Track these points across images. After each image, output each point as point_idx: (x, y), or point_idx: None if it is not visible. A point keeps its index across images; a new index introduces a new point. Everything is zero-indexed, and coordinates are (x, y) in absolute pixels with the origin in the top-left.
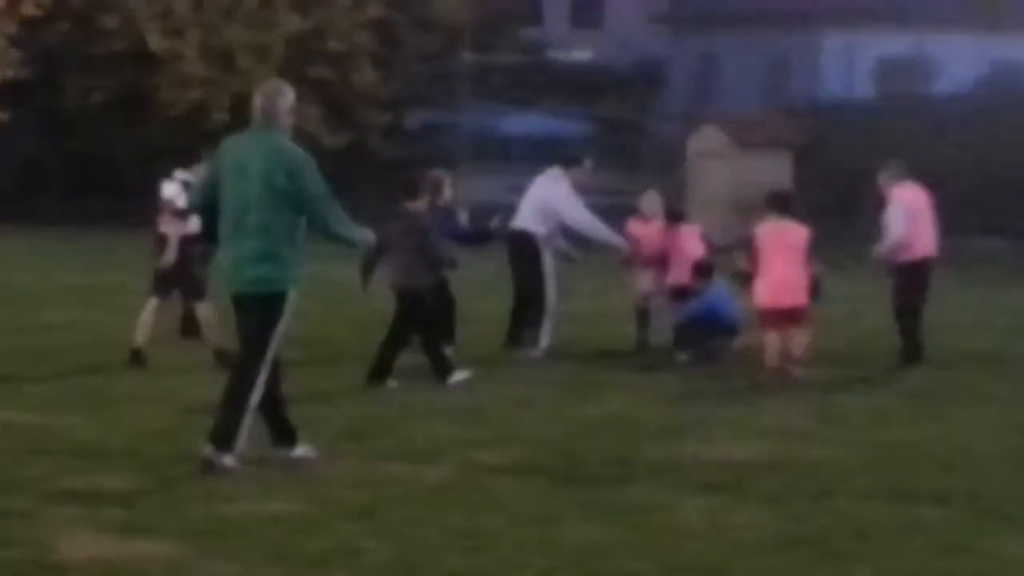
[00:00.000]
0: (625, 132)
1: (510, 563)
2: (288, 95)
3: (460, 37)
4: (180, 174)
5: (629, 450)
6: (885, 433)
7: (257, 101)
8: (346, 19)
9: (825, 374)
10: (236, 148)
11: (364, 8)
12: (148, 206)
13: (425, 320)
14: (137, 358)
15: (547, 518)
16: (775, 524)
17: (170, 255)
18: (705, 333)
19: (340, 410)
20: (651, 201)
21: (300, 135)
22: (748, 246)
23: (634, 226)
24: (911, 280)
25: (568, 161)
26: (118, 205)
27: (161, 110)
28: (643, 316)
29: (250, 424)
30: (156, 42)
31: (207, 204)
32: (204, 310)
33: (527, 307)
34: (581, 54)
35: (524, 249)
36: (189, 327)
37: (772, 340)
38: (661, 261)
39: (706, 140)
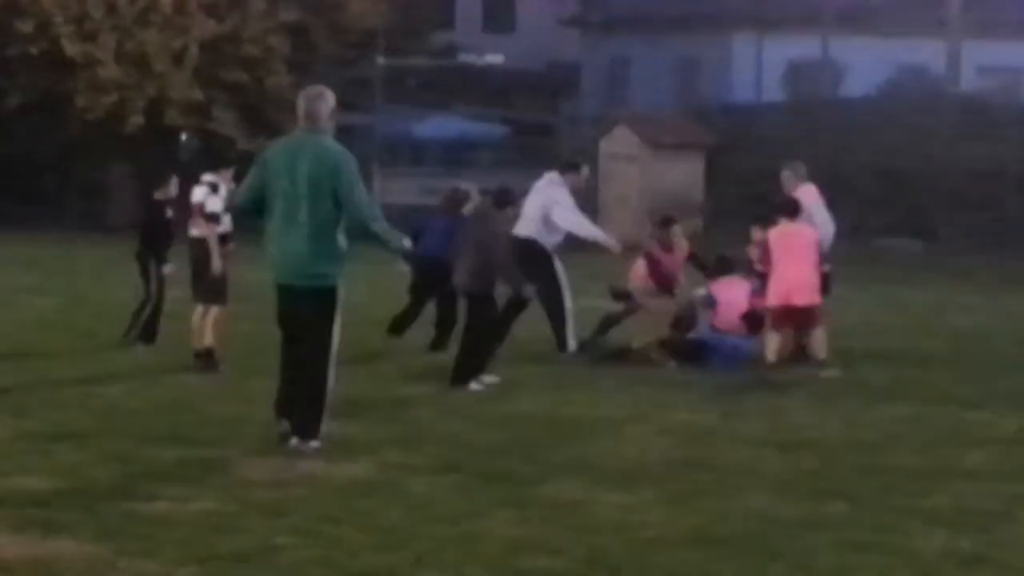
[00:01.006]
0: (537, 135)
1: (427, 560)
2: (330, 99)
3: (373, 41)
4: (208, 177)
5: (546, 447)
6: (795, 431)
7: (301, 105)
8: (260, 23)
9: (735, 373)
10: (285, 149)
11: (278, 12)
12: (67, 209)
13: (491, 321)
14: (209, 361)
15: (464, 515)
16: (688, 521)
17: (216, 262)
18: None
19: (258, 410)
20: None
21: (215, 138)
22: (762, 249)
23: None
24: None
25: (566, 167)
26: (34, 208)
27: (77, 114)
28: (607, 323)
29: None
30: (71, 47)
31: (254, 202)
32: (220, 313)
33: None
34: (493, 58)
35: (534, 257)
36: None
37: (777, 339)
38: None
39: (617, 142)
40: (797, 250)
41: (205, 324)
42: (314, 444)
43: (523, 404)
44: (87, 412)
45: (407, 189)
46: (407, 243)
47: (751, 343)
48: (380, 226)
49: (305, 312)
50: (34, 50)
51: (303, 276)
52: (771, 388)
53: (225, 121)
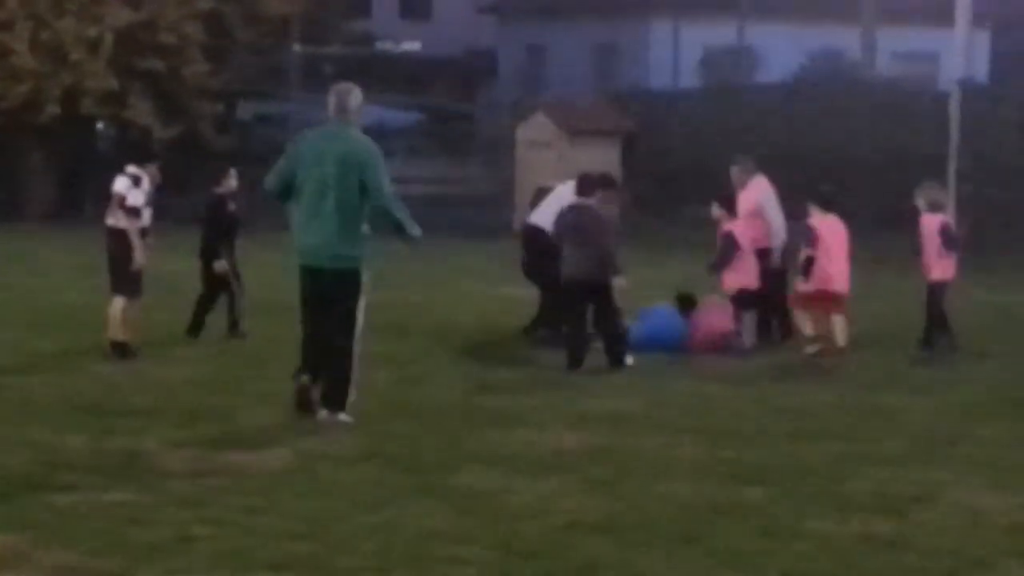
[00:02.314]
0: (454, 122)
1: (343, 548)
2: (358, 94)
3: (289, 29)
4: (132, 169)
5: (463, 436)
6: (712, 418)
7: (332, 99)
8: (176, 11)
9: (657, 361)
10: (316, 139)
11: (194, 0)
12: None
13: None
14: (124, 351)
15: (381, 504)
16: (604, 508)
17: (139, 256)
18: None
19: (175, 399)
20: None
21: (132, 128)
22: (809, 236)
23: None
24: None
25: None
26: None
27: None
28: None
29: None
30: None
31: (283, 189)
32: (132, 308)
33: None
34: (410, 45)
35: (546, 247)
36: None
37: (814, 321)
38: None
39: (534, 129)
40: (840, 241)
41: (120, 315)
42: (344, 417)
43: (439, 393)
44: (1, 402)
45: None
46: (419, 231)
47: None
48: (403, 215)
49: (332, 293)
50: None
51: (332, 259)
52: (692, 375)
53: (141, 110)
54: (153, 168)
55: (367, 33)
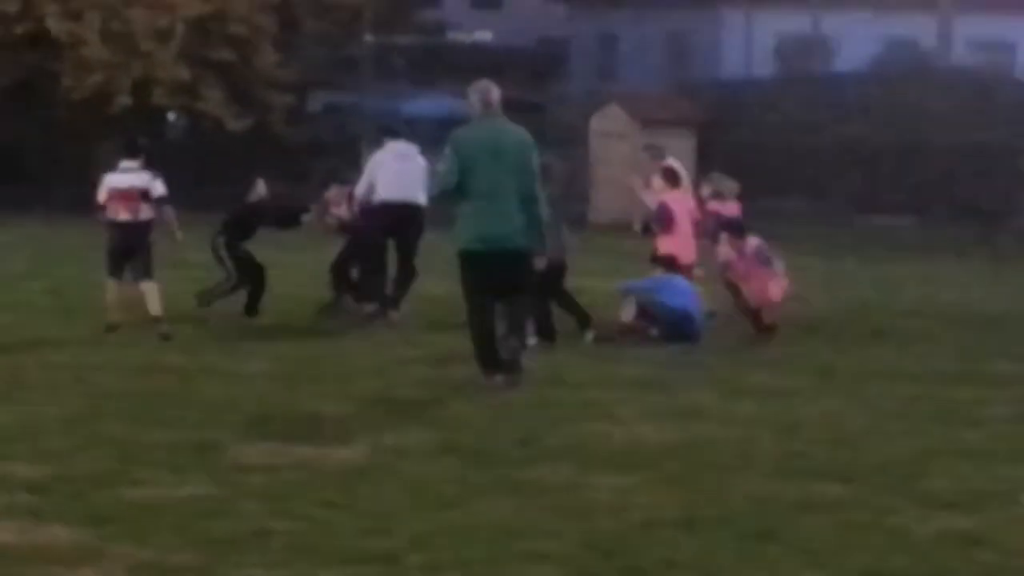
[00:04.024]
0: (527, 112)
1: (420, 544)
2: (497, 89)
3: (360, 19)
4: (130, 163)
5: (539, 430)
6: (792, 411)
7: (475, 96)
8: (247, 2)
9: (733, 353)
10: (483, 134)
11: None
12: (53, 191)
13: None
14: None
15: (458, 499)
16: (682, 503)
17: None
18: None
19: (250, 393)
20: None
21: (204, 118)
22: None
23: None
24: None
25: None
26: (21, 190)
27: (63, 94)
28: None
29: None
30: (56, 26)
31: (459, 185)
32: (150, 288)
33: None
34: (482, 35)
35: None
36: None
37: None
38: None
39: (608, 120)
40: (684, 213)
41: (150, 298)
42: (529, 362)
43: (519, 388)
44: (77, 397)
45: None
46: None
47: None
48: (545, 208)
49: (510, 275)
50: (19, 30)
51: (508, 243)
52: (767, 368)
53: (213, 101)
54: (143, 159)
55: (438, 23)
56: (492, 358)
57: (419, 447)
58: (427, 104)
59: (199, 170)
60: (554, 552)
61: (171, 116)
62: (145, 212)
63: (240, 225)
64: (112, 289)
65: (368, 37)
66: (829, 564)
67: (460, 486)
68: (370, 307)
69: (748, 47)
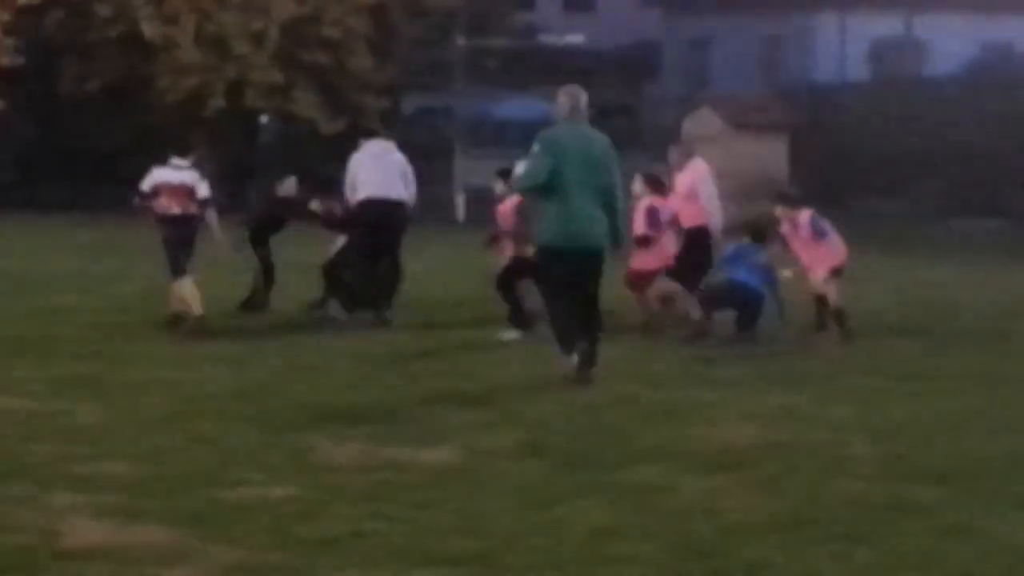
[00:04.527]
0: (620, 116)
1: (512, 546)
2: (585, 96)
3: (453, 22)
4: (179, 161)
5: (632, 432)
6: (884, 413)
7: (564, 100)
8: (340, 5)
9: (824, 354)
10: (573, 136)
11: None
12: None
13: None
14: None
15: (551, 501)
16: (775, 505)
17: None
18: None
19: (341, 394)
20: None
21: (297, 120)
22: (654, 216)
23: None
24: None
25: None
26: (114, 192)
27: (157, 97)
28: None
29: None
30: (150, 29)
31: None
32: (187, 285)
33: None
34: (574, 38)
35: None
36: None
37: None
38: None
39: (701, 123)
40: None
41: (193, 292)
42: (590, 371)
43: (609, 388)
44: (169, 397)
45: (488, 170)
46: None
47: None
48: (623, 212)
49: (589, 271)
50: (113, 33)
51: (591, 240)
52: (860, 369)
53: (306, 103)
54: (193, 158)
55: (531, 26)
56: (574, 345)
57: (511, 448)
58: (519, 107)
59: (291, 173)
60: (645, 554)
61: (264, 119)
62: (193, 208)
63: (267, 220)
64: (179, 283)
65: (461, 40)
66: (922, 568)
67: (552, 487)
68: (342, 315)
69: (842, 50)
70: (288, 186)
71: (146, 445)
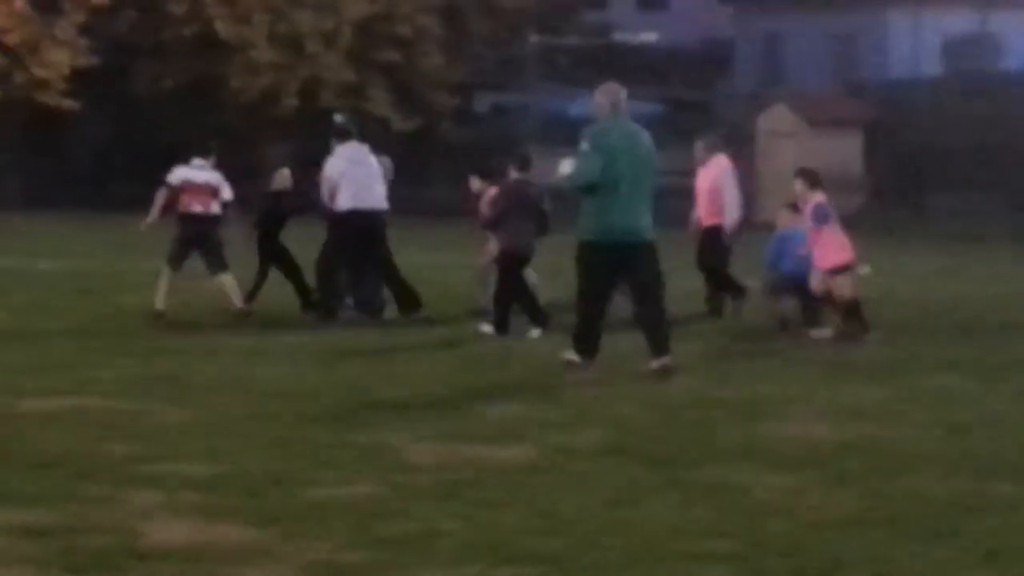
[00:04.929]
0: (693, 112)
1: (590, 544)
2: (624, 92)
3: (526, 20)
4: (201, 161)
5: (707, 429)
6: (962, 410)
7: (604, 98)
8: (412, 3)
9: (900, 351)
10: (621, 133)
11: None
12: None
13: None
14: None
15: (627, 498)
16: (852, 503)
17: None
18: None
19: (418, 392)
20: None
21: (370, 119)
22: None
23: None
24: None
25: None
26: None
27: (231, 97)
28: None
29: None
30: (224, 29)
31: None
32: (227, 280)
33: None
34: (647, 36)
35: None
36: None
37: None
38: None
39: (775, 119)
40: None
41: (229, 290)
42: (669, 360)
43: (685, 386)
44: (245, 395)
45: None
46: None
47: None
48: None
49: (643, 264)
50: (187, 33)
51: (638, 235)
52: (936, 366)
53: (379, 101)
54: (214, 160)
55: (604, 24)
56: (592, 345)
57: (586, 446)
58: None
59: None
60: (723, 552)
61: (338, 118)
62: (214, 207)
63: (267, 218)
64: (167, 277)
65: (534, 38)
66: (1000, 564)
67: (629, 485)
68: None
69: (915, 46)
70: (282, 178)
71: (224, 444)
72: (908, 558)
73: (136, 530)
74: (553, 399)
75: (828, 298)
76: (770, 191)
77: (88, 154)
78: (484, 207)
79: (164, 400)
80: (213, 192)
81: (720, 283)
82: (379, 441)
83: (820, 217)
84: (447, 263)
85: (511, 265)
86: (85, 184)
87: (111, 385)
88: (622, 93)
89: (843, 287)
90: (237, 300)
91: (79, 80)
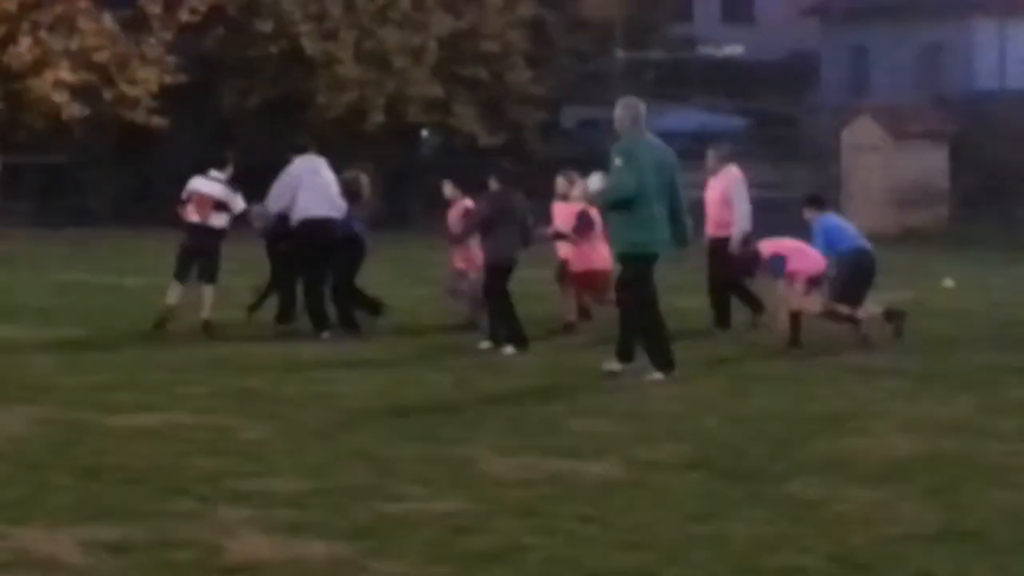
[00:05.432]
0: (779, 126)
1: (674, 559)
2: (643, 106)
3: (611, 35)
4: (218, 174)
5: (790, 444)
6: None
7: (625, 113)
8: (498, 19)
9: (983, 362)
10: (646, 147)
11: (516, 7)
12: None
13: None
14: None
15: (710, 513)
16: (938, 517)
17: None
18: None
19: (501, 407)
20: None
21: (457, 134)
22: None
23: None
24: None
25: None
26: None
27: (318, 113)
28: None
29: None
30: (311, 45)
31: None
32: (208, 291)
33: None
34: (732, 49)
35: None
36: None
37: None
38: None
39: (860, 132)
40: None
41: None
42: (658, 375)
43: (765, 400)
44: (328, 410)
45: None
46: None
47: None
48: (686, 215)
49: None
50: (274, 50)
51: (666, 246)
52: (1022, 378)
53: (466, 117)
54: (230, 171)
55: (689, 37)
56: (670, 356)
57: (671, 461)
58: (679, 119)
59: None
60: (808, 566)
61: (424, 133)
62: (215, 219)
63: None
64: (175, 289)
65: (619, 52)
66: None
67: (713, 500)
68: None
69: (1002, 57)
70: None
71: (308, 459)
72: (994, 573)
73: (222, 546)
74: (635, 414)
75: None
76: (855, 205)
77: (175, 171)
78: (454, 217)
79: (251, 415)
80: (216, 204)
81: (729, 296)
82: (464, 456)
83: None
84: (534, 278)
85: (496, 276)
86: (171, 201)
87: (199, 401)
88: (641, 107)
89: (813, 299)
90: (205, 312)
91: (167, 98)
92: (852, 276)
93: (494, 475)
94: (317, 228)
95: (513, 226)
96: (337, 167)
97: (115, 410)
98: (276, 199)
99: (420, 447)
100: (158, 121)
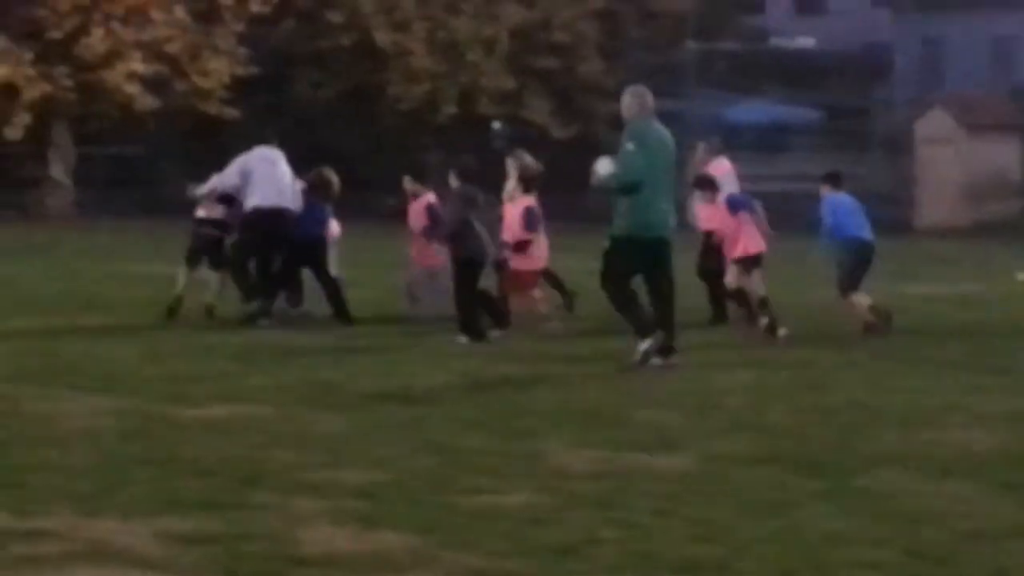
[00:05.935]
0: (851, 118)
1: (747, 553)
2: (651, 95)
3: (683, 26)
4: (215, 178)
5: (864, 437)
6: None
7: (633, 100)
8: (570, 10)
9: None
10: (657, 134)
11: None
12: (377, 200)
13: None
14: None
15: (783, 506)
16: (1013, 512)
17: None
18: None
19: (572, 399)
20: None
21: (528, 126)
22: (531, 219)
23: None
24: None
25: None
26: (349, 197)
27: (389, 104)
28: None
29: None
30: (383, 37)
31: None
32: (211, 277)
33: None
34: (805, 41)
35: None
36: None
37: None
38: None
39: (933, 124)
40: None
41: (210, 285)
42: (646, 347)
43: (839, 393)
44: (404, 403)
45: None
46: None
47: None
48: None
49: (665, 258)
50: (346, 41)
51: (667, 232)
52: None
53: (538, 109)
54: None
55: (761, 29)
56: (650, 320)
57: (744, 454)
58: (750, 110)
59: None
60: (881, 560)
61: (495, 125)
62: (219, 213)
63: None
64: (184, 276)
65: (691, 44)
66: None
67: (785, 493)
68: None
69: None
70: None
71: (384, 452)
72: None
73: (297, 537)
74: (706, 407)
75: (739, 292)
76: (929, 198)
77: None
78: (415, 212)
79: (325, 407)
80: (224, 199)
81: (723, 289)
82: (536, 449)
83: (737, 206)
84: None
85: (466, 271)
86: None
87: (274, 393)
88: (648, 96)
89: (757, 280)
90: (211, 298)
91: (239, 89)
92: (856, 266)
93: (567, 468)
94: (264, 217)
95: (480, 223)
96: (409, 159)
97: (192, 403)
98: (222, 179)
99: (494, 440)
100: (230, 112)
